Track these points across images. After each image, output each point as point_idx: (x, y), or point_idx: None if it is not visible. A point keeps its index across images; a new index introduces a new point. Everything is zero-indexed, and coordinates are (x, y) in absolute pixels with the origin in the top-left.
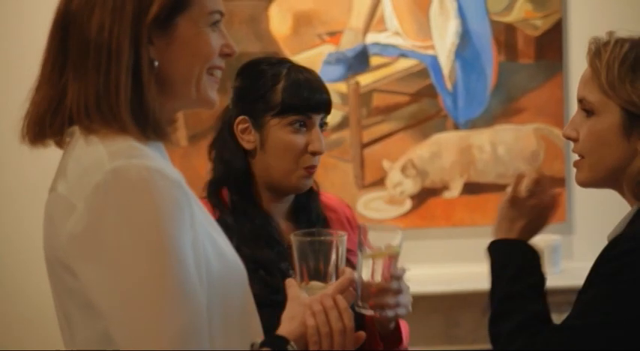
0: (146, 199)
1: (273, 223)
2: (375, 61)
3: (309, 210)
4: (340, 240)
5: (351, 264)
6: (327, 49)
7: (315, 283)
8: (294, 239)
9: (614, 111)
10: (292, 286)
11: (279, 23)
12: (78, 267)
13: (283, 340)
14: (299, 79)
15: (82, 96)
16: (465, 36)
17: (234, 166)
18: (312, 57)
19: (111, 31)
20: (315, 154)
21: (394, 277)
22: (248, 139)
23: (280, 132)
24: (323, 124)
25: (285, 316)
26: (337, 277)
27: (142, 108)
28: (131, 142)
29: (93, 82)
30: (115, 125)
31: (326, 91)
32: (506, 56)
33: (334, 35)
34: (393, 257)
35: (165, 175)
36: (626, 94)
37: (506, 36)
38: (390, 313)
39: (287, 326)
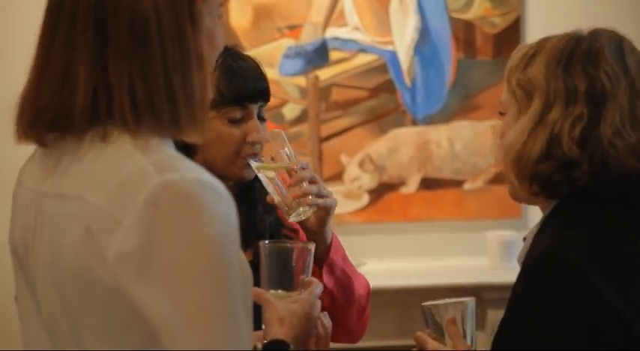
0: (200, 214)
1: None
2: (334, 55)
3: (253, 194)
4: (306, 249)
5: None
6: (286, 43)
7: (280, 292)
8: (261, 247)
9: (513, 105)
10: (264, 292)
11: (238, 16)
12: (130, 287)
13: (284, 344)
14: (232, 68)
15: (136, 90)
16: (424, 32)
17: None
18: (272, 51)
19: (171, 13)
20: (254, 144)
21: (298, 169)
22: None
23: (217, 124)
24: (262, 116)
25: (272, 319)
26: (301, 287)
27: (199, 106)
28: (169, 150)
29: (152, 75)
30: (171, 127)
31: (263, 79)
32: (465, 53)
33: (294, 29)
34: (283, 168)
35: (216, 188)
36: (514, 82)
37: (465, 33)
38: (319, 202)
39: (279, 330)
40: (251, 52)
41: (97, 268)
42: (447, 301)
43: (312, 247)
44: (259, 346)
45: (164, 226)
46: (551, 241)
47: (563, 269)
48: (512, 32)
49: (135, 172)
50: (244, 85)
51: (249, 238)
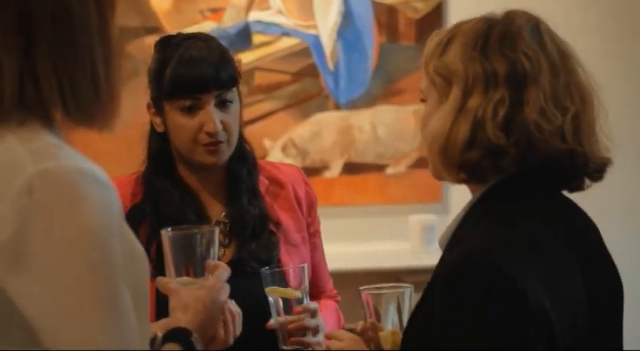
0: (77, 204)
1: (192, 207)
2: (257, 39)
3: (239, 184)
4: (209, 233)
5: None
6: (208, 25)
7: (185, 279)
8: (162, 235)
9: (433, 92)
10: (169, 281)
11: None
12: (6, 280)
13: (186, 332)
14: (184, 59)
15: (62, 82)
16: (347, 16)
17: (151, 150)
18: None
19: (95, 4)
20: (209, 135)
21: (306, 309)
22: (157, 123)
23: (173, 114)
24: (225, 101)
25: (176, 306)
26: (209, 272)
27: (118, 98)
28: (48, 138)
29: (79, 66)
30: (94, 118)
31: (218, 67)
32: (388, 37)
33: (216, 12)
34: (292, 297)
35: (96, 177)
36: (432, 69)
37: (387, 17)
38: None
39: (183, 317)
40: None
41: None
42: (384, 289)
43: (216, 230)
44: (160, 334)
45: (40, 216)
46: (478, 241)
47: (490, 270)
48: (435, 17)
49: (10, 160)
50: (193, 77)
51: (234, 229)
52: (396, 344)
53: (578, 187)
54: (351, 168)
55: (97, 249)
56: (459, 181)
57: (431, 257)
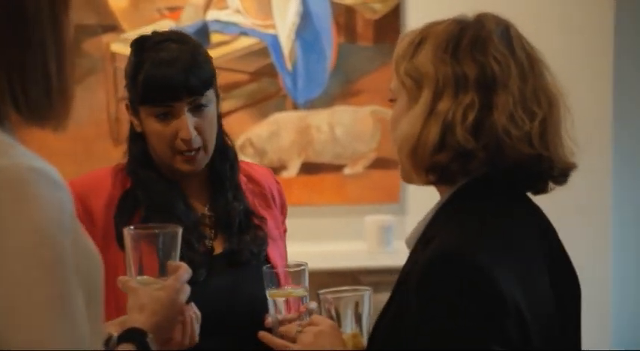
0: (29, 202)
1: (180, 197)
2: (215, 38)
3: (223, 181)
4: (172, 233)
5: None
6: (166, 24)
7: (147, 278)
8: (126, 233)
9: (403, 93)
10: (129, 280)
11: None
12: None
13: (141, 333)
14: (156, 64)
15: (13, 79)
16: (306, 16)
17: (131, 149)
18: None
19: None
20: (184, 142)
21: (309, 309)
22: (135, 124)
23: (149, 122)
24: (199, 106)
25: (133, 306)
26: (171, 272)
27: (70, 97)
28: (0, 137)
29: (30, 64)
30: (44, 117)
31: (189, 73)
32: (346, 38)
33: (174, 11)
34: (295, 297)
35: (49, 176)
36: (402, 71)
37: (346, 18)
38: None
39: (139, 317)
40: (130, 34)
41: None
42: (344, 292)
43: (179, 230)
44: (115, 334)
45: None
46: (452, 239)
47: (467, 267)
48: (392, 18)
49: None
50: (157, 83)
51: (219, 226)
52: (357, 346)
53: (543, 190)
54: (309, 168)
55: (48, 248)
56: (428, 183)
57: (387, 258)
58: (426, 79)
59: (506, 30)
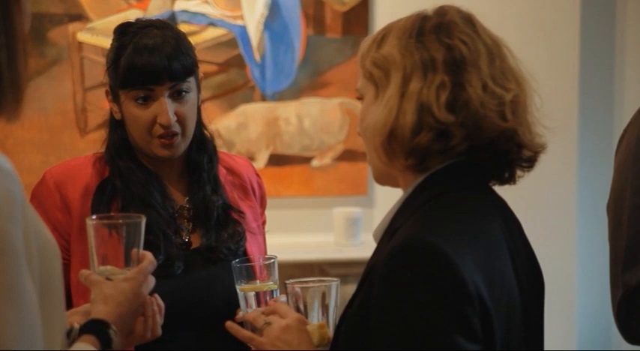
0: None
1: (158, 187)
2: (183, 28)
3: (201, 172)
4: (136, 224)
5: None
6: (133, 14)
7: (111, 268)
8: (88, 223)
9: (370, 87)
10: (91, 273)
11: None
12: None
13: (104, 324)
14: (139, 48)
15: None
16: (274, 8)
17: (110, 136)
18: (118, 22)
19: None
20: (162, 126)
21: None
22: (115, 110)
23: (129, 106)
24: (180, 92)
25: (97, 298)
26: (135, 262)
27: (22, 86)
28: None
29: None
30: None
31: (171, 58)
32: (315, 30)
33: (142, 0)
34: (265, 291)
35: None
36: (368, 63)
37: (314, 10)
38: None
39: (103, 308)
40: (96, 23)
41: None
42: (311, 283)
43: (142, 220)
44: (76, 325)
45: None
46: (417, 228)
47: (429, 254)
48: (361, 11)
49: None
50: (139, 66)
51: (198, 219)
52: (324, 337)
53: (510, 178)
54: (277, 160)
55: None
56: (404, 170)
57: (355, 250)
58: (393, 66)
59: (469, 17)
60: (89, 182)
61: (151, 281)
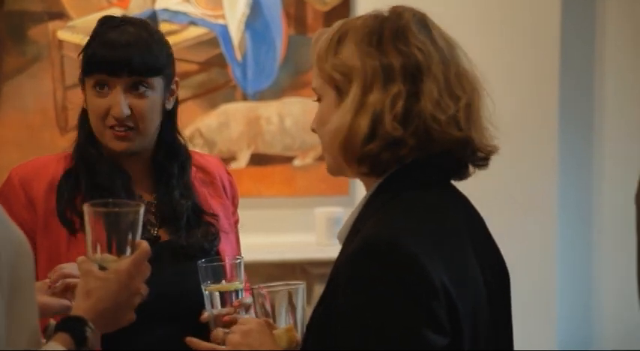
0: None
1: (122, 179)
2: (164, 27)
3: (170, 177)
4: (134, 211)
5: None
6: (114, 12)
7: (106, 256)
8: (85, 210)
9: (329, 90)
10: (84, 261)
11: None
12: None
13: (81, 322)
14: (105, 40)
15: None
16: (256, 7)
17: (79, 131)
18: None
19: None
20: (114, 118)
21: (242, 304)
22: (83, 101)
23: (89, 93)
24: (138, 87)
25: (81, 291)
26: (132, 251)
27: None
28: None
29: None
30: None
31: (134, 53)
32: (296, 29)
33: None
34: (230, 291)
35: None
36: (329, 67)
37: (296, 9)
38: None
39: (83, 304)
40: (77, 22)
41: None
42: (277, 286)
43: (140, 208)
44: (53, 322)
45: None
46: (379, 228)
47: (392, 250)
48: (342, 10)
49: None
50: (105, 57)
51: (166, 221)
52: (292, 340)
53: (465, 175)
54: (258, 159)
55: None
56: (360, 175)
57: (336, 249)
58: (354, 72)
59: (423, 19)
60: (54, 177)
61: (146, 271)
